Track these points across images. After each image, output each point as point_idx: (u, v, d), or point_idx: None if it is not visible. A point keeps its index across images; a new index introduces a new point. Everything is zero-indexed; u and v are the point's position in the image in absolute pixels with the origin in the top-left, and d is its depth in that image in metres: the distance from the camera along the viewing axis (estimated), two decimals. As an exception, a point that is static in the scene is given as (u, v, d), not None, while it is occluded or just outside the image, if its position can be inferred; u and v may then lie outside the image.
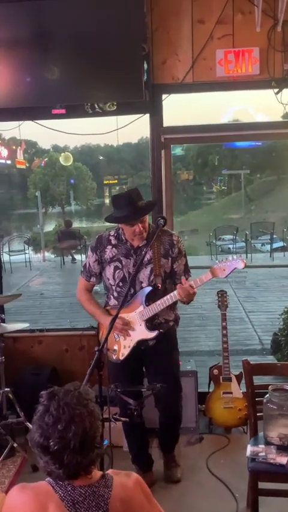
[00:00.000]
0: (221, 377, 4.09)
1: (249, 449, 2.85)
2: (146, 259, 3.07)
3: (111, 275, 3.13)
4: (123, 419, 2.57)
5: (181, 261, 3.18)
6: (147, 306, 3.04)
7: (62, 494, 1.53)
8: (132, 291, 3.07)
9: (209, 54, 3.99)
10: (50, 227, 23.74)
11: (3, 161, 13.48)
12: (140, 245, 3.07)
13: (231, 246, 14.71)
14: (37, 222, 24.02)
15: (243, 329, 7.37)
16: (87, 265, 3.23)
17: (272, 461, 2.74)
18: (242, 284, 10.35)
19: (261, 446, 2.86)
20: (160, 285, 3.08)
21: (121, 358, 3.12)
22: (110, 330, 2.70)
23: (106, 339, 2.57)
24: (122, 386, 2.67)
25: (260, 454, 2.79)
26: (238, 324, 7.49)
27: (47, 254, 17.78)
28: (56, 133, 4.30)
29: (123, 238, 3.11)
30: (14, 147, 14.22)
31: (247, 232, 14.09)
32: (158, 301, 3.03)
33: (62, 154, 18.29)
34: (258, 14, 3.84)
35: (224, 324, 4.15)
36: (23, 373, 4.22)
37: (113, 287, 3.13)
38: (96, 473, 1.62)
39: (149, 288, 3.06)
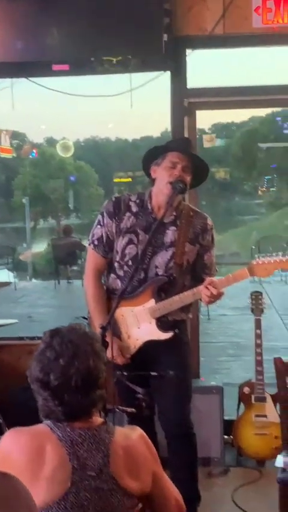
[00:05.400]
0: (253, 397, 4.46)
1: (281, 459, 3.22)
2: (168, 240, 3.32)
3: (121, 249, 3.33)
4: (129, 409, 2.95)
5: (213, 251, 3.46)
6: (159, 300, 3.29)
7: (61, 435, 1.95)
8: (142, 275, 3.29)
9: (244, 1, 4.47)
10: (40, 246, 23.95)
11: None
12: (166, 221, 3.30)
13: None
14: (22, 239, 24.37)
15: (289, 361, 7.72)
16: (105, 236, 3.37)
17: (307, 471, 3.11)
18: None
19: (296, 458, 3.23)
20: (177, 277, 3.32)
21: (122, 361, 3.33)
22: (110, 317, 3.01)
23: (112, 314, 2.99)
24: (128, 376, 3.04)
25: (293, 464, 3.17)
26: (283, 354, 7.82)
27: (35, 281, 18.19)
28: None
29: (149, 207, 3.34)
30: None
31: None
32: (176, 297, 3.27)
33: (60, 141, 18.96)
34: None
35: (258, 331, 4.55)
36: (9, 388, 4.62)
37: (120, 265, 3.37)
38: (97, 419, 2.04)
39: (164, 279, 3.30)
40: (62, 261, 13.64)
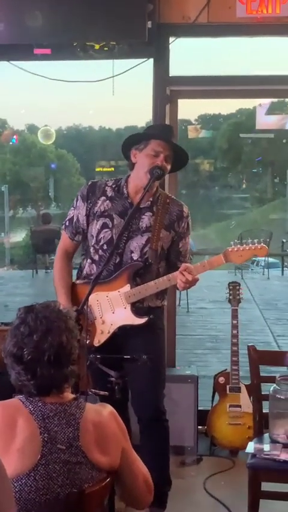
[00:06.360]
0: (227, 387, 4.60)
1: (252, 445, 3.35)
2: (144, 225, 3.45)
3: (95, 233, 3.46)
4: (102, 392, 3.06)
5: (188, 239, 3.61)
6: (134, 285, 3.41)
7: (32, 409, 2.06)
8: (117, 259, 3.43)
9: (228, -10, 4.58)
10: (18, 236, 23.91)
11: None
12: (142, 206, 3.43)
13: (262, 263, 15.29)
14: (1, 228, 24.35)
15: (268, 355, 7.92)
16: (75, 218, 3.54)
17: (276, 457, 3.24)
18: (273, 305, 10.95)
19: (266, 444, 3.36)
20: (153, 262, 3.44)
21: (96, 345, 3.46)
22: (86, 299, 3.14)
23: (87, 297, 3.10)
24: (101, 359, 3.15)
25: (263, 450, 3.29)
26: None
27: (12, 271, 18.23)
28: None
29: (125, 192, 3.46)
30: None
31: (284, 241, 14.70)
32: (151, 283, 3.40)
33: (41, 128, 18.96)
34: None
35: (234, 322, 4.68)
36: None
37: (95, 249, 3.48)
38: (69, 395, 2.15)
39: (140, 264, 3.43)
40: (40, 249, 13.69)
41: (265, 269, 15.04)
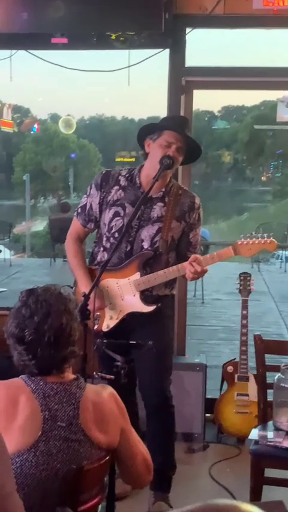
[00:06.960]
0: (236, 376, 4.65)
1: (255, 432, 3.41)
2: (155, 215, 3.51)
3: (108, 221, 3.52)
4: (108, 376, 3.13)
5: (199, 230, 3.66)
6: (144, 274, 3.48)
7: (34, 388, 2.13)
8: (128, 247, 3.51)
9: (245, -18, 4.60)
10: (38, 226, 24.05)
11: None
12: (154, 196, 3.49)
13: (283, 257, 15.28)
14: (21, 217, 24.51)
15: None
16: (88, 206, 3.61)
17: (278, 444, 3.29)
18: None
19: (270, 432, 3.42)
20: (163, 252, 3.50)
21: (104, 330, 3.54)
22: (93, 287, 3.20)
23: (96, 283, 3.16)
24: (107, 343, 3.22)
25: (267, 438, 3.35)
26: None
27: (31, 259, 18.40)
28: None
29: (138, 182, 3.53)
30: (-1, 105, 14.86)
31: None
32: (161, 272, 3.46)
33: (62, 118, 19.08)
34: None
35: (244, 312, 4.73)
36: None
37: (107, 237, 3.55)
38: (69, 375, 2.22)
39: (151, 253, 3.49)
40: (58, 238, 13.66)
41: (282, 263, 15.04)
